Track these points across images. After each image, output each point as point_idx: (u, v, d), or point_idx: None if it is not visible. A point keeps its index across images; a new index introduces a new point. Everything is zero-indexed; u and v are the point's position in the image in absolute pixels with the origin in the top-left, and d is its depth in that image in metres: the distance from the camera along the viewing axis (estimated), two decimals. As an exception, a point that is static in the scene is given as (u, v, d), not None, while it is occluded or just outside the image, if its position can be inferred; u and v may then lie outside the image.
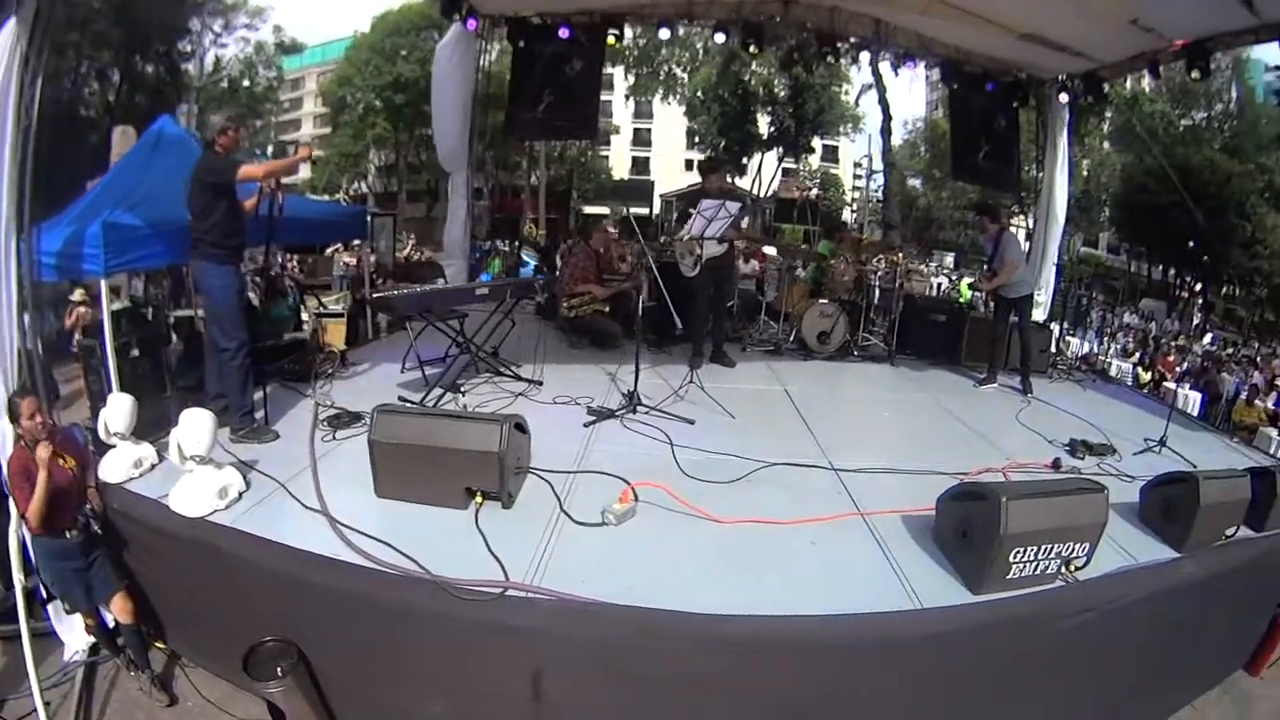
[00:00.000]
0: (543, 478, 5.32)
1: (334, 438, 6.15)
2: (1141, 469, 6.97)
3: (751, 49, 15.71)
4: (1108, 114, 50.71)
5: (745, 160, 51.21)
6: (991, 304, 12.06)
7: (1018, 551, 4.51)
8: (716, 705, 4.07)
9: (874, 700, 4.25)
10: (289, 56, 54.06)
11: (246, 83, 48.76)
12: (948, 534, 4.99)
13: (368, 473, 4.97)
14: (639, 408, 7.28)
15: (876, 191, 57.86)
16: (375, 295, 10.27)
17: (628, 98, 57.58)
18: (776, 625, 4.03)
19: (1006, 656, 4.60)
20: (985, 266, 11.37)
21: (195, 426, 4.90)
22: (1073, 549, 4.75)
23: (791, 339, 11.60)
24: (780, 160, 52.93)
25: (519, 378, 8.29)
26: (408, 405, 6.35)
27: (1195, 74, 12.98)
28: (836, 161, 73.76)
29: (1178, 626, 5.55)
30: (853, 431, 8.33)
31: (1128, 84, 46.36)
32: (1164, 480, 6.19)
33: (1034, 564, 4.62)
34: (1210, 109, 55.74)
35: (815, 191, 53.15)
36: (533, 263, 21.34)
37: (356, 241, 17.25)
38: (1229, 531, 6.02)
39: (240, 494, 4.96)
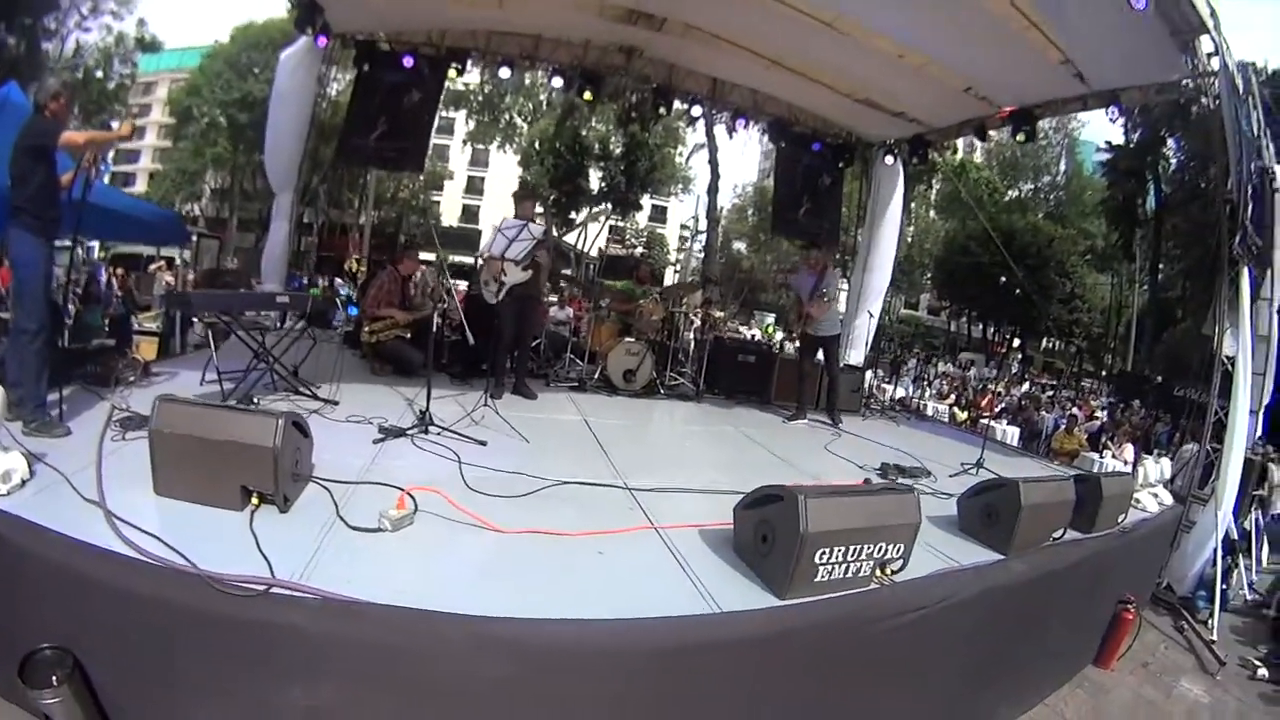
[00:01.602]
0: (323, 485, 4.85)
1: (124, 438, 5.56)
2: (958, 489, 6.71)
3: (587, 95, 15.66)
4: (934, 183, 52.72)
5: (574, 214, 51.25)
6: (797, 344, 12.14)
7: (823, 552, 4.15)
8: (500, 715, 3.66)
9: (667, 710, 3.87)
10: (146, 56, 52.64)
11: (100, 74, 47.30)
12: (748, 542, 4.60)
13: (149, 474, 4.45)
14: (431, 428, 6.86)
15: (700, 253, 58.66)
16: (172, 294, 9.56)
17: (465, 143, 57.97)
18: (557, 628, 3.63)
19: (821, 660, 4.26)
20: (801, 301, 11.23)
21: None
22: (886, 550, 4.46)
23: (597, 376, 11.18)
24: (608, 217, 53.18)
25: (315, 396, 7.75)
26: (189, 398, 5.69)
27: (1021, 137, 13.68)
28: (664, 222, 75.21)
29: (1015, 625, 5.51)
30: (651, 456, 8.16)
31: (958, 153, 48.45)
32: (981, 489, 6.14)
33: (844, 565, 4.27)
34: (1037, 181, 58.63)
35: (640, 250, 53.61)
36: (346, 291, 20.81)
37: (178, 260, 16.43)
38: (1056, 534, 6.07)
39: (24, 481, 4.38)
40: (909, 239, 53.31)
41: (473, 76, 46.88)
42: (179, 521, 4.03)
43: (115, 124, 6.56)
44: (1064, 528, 6.20)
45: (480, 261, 9.73)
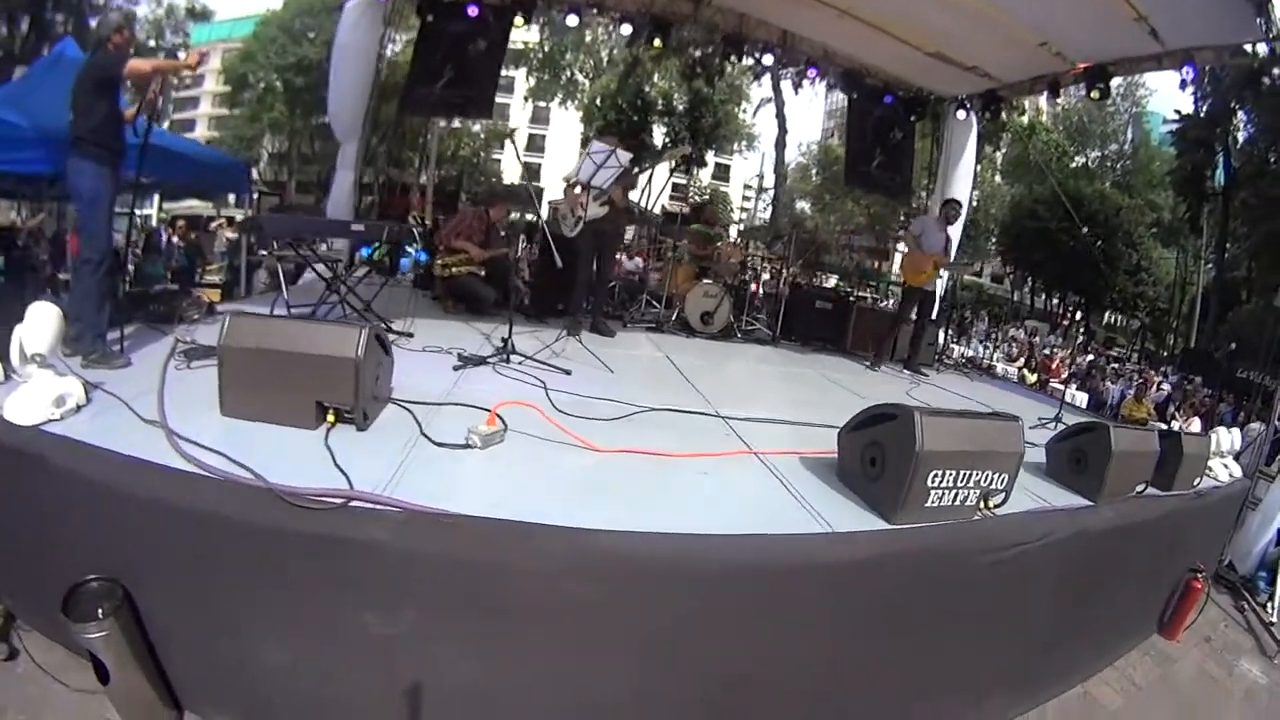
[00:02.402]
0: (404, 406, 4.75)
1: (188, 367, 5.47)
2: (1039, 440, 6.57)
3: (656, 43, 15.59)
4: (1002, 147, 52.06)
5: (636, 171, 50.68)
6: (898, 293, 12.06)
7: (936, 475, 4.12)
8: (593, 638, 3.53)
9: (786, 630, 3.78)
10: (198, 26, 52.64)
11: (152, 44, 46.90)
12: (854, 466, 4.56)
13: (216, 398, 4.31)
14: (513, 356, 6.79)
15: (764, 211, 57.97)
16: (247, 219, 9.55)
17: (526, 99, 57.49)
18: (672, 542, 3.52)
19: (926, 589, 4.17)
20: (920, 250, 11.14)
21: (42, 321, 4.28)
22: (991, 479, 4.42)
23: (674, 319, 11.30)
24: (671, 173, 53.05)
25: (390, 329, 7.58)
26: (262, 313, 5.68)
27: (1095, 94, 13.32)
28: (727, 180, 74.36)
29: (1099, 576, 5.38)
30: (739, 391, 8.21)
31: (1025, 116, 47.70)
32: (1071, 432, 6.14)
33: (953, 492, 4.25)
34: (1104, 148, 57.64)
35: (703, 197, 53.23)
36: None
37: (239, 217, 16.45)
38: (1139, 487, 6.01)
39: (79, 406, 4.28)
40: (974, 203, 52.43)
41: (532, 34, 46.92)
42: (247, 440, 3.85)
43: (181, 55, 6.56)
44: (1146, 482, 6.15)
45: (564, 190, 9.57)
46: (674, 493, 4.16)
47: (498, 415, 4.47)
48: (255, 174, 55.59)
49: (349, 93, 13.87)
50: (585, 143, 51.93)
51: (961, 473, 4.23)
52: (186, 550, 3.46)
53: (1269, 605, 8.40)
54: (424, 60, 14.69)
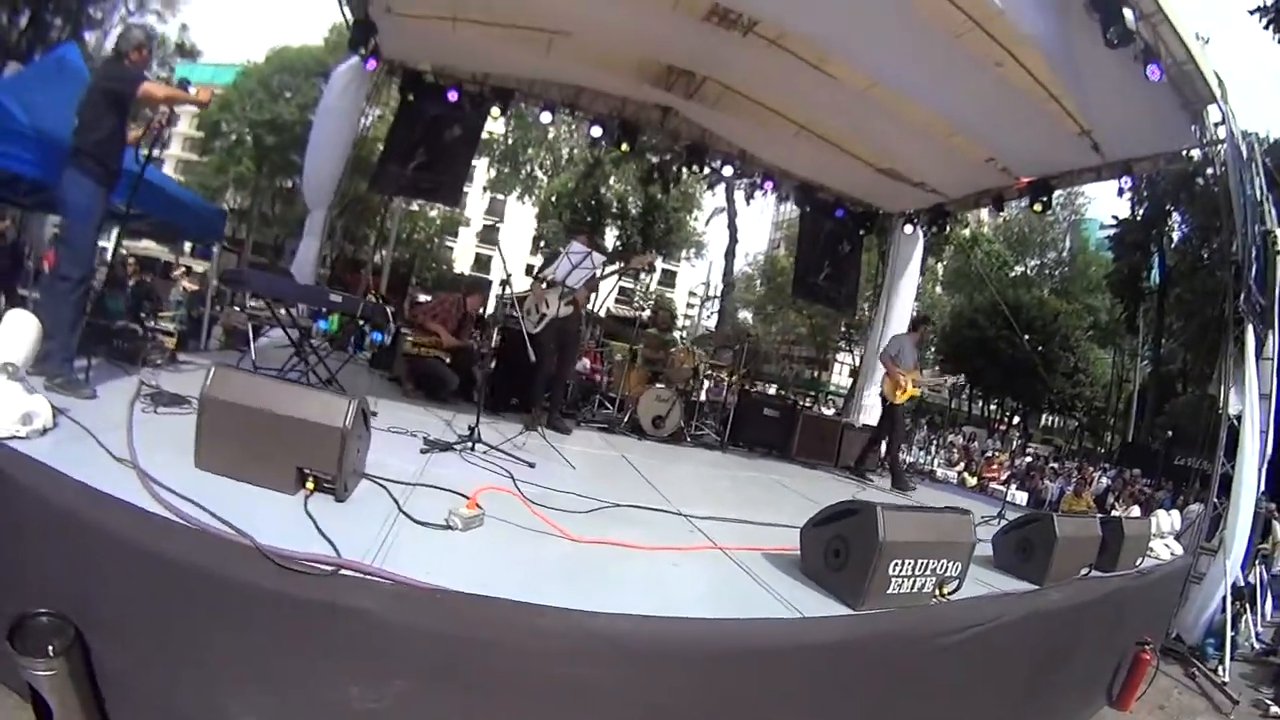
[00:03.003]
0: (379, 483, 4.71)
1: (155, 411, 5.42)
2: (984, 535, 6.60)
3: (624, 147, 16.23)
4: (944, 259, 52.96)
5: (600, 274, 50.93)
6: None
7: (896, 564, 4.33)
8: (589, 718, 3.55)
9: (769, 709, 3.89)
10: (182, 64, 51.91)
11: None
12: (817, 559, 4.74)
13: (186, 446, 4.20)
14: (478, 444, 6.80)
15: (708, 319, 58.54)
16: (227, 271, 9.61)
17: (485, 190, 58.34)
18: (662, 626, 3.61)
19: (887, 671, 4.39)
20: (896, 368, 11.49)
21: (17, 329, 4.28)
22: (946, 567, 4.65)
23: (626, 420, 11.29)
24: (620, 275, 53.16)
25: None
26: (247, 369, 5.68)
27: (1038, 207, 14.00)
28: (673, 286, 74.84)
29: (1049, 654, 5.69)
30: (696, 491, 8.31)
31: (968, 228, 48.75)
32: (1015, 525, 6.40)
33: (912, 579, 4.46)
34: (1044, 256, 58.82)
35: (646, 314, 53.70)
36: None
37: (201, 269, 16.37)
38: (1084, 570, 6.35)
39: (45, 429, 4.20)
40: (914, 313, 53.06)
41: (498, 125, 47.36)
42: (218, 495, 3.71)
43: (193, 89, 6.59)
44: (1090, 565, 6.49)
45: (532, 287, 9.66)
46: (651, 581, 4.26)
47: (477, 500, 4.49)
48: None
49: (326, 159, 14.23)
50: (539, 238, 52.25)
51: (919, 562, 4.44)
52: (150, 596, 3.36)
53: (1219, 668, 8.96)
54: (399, 139, 15.18)
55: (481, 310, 11.06)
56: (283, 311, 8.09)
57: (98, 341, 6.95)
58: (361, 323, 11.51)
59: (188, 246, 23.15)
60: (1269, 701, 8.55)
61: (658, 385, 11.41)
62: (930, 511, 5.07)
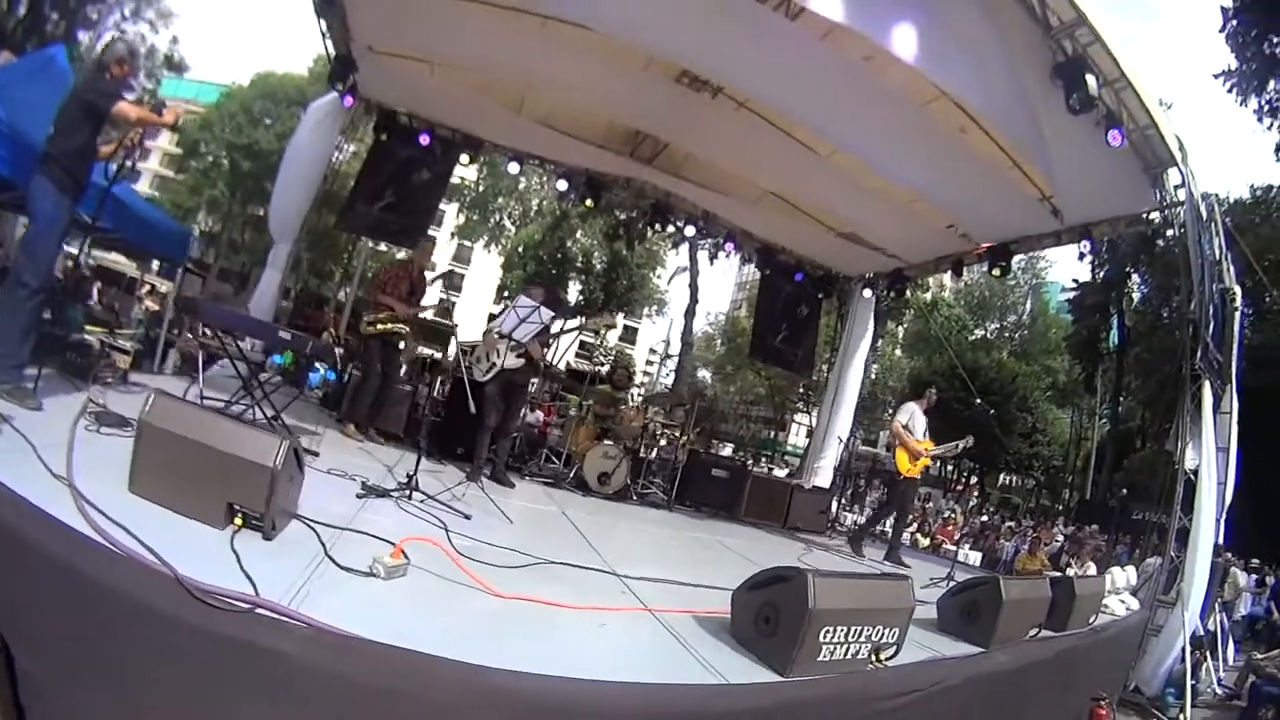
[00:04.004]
0: (309, 525, 4.56)
1: (98, 431, 5.34)
2: (930, 598, 6.64)
3: (588, 202, 16.43)
4: (904, 323, 53.40)
5: (556, 331, 50.96)
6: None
7: (827, 630, 4.16)
8: None
9: None
10: (168, 79, 51.81)
11: None
12: (747, 625, 4.53)
13: (124, 470, 4.13)
14: (415, 493, 6.61)
15: (667, 377, 58.65)
16: (183, 297, 9.37)
17: (453, 236, 58.32)
18: (575, 687, 3.42)
19: None
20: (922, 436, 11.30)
21: None
22: (882, 633, 4.48)
23: (572, 476, 11.03)
24: (580, 330, 53.09)
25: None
26: (188, 399, 5.52)
27: (997, 272, 14.11)
28: (634, 343, 75.08)
29: (998, 712, 5.52)
30: (634, 550, 8.15)
31: (929, 293, 49.22)
32: (961, 588, 6.27)
33: (845, 646, 4.29)
34: (1003, 320, 59.40)
35: (604, 369, 53.64)
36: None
37: (164, 289, 16.07)
38: (1033, 631, 6.23)
39: None
40: (874, 376, 54.02)
41: (470, 171, 47.32)
42: (149, 523, 3.66)
43: (165, 110, 6.52)
44: (1039, 626, 6.37)
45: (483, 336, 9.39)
46: (571, 641, 4.09)
47: (402, 549, 4.34)
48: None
49: (294, 192, 14.08)
50: (502, 288, 52.14)
51: (853, 628, 4.27)
52: (73, 615, 3.31)
53: (1180, 717, 8.93)
54: (369, 178, 15.06)
55: (433, 265, 10.68)
56: (235, 344, 7.81)
57: (51, 352, 6.85)
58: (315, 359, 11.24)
59: (155, 264, 22.85)
60: None
61: (605, 442, 11.13)
62: (867, 578, 4.95)
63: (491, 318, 11.85)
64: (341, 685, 3.15)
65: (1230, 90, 33.73)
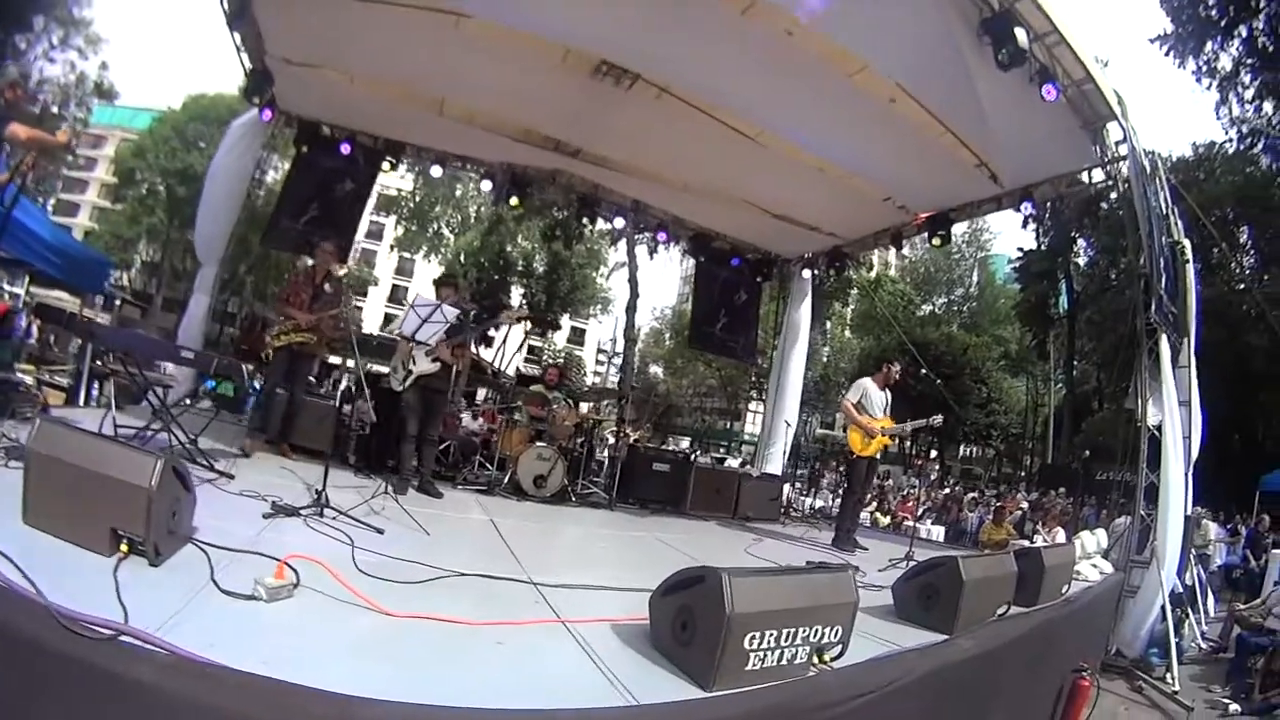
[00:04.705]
0: (201, 548, 4.26)
1: (5, 465, 5.10)
2: (888, 581, 6.36)
3: (514, 202, 16.00)
4: (850, 303, 53.65)
5: (491, 333, 50.68)
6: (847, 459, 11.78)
7: (753, 637, 3.62)
8: None
9: None
10: (100, 106, 50.29)
11: (56, 110, 44.16)
12: (666, 632, 4.03)
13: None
14: (327, 510, 6.20)
15: (617, 373, 58.78)
16: (80, 321, 8.91)
17: (392, 248, 58.43)
18: (447, 716, 3.03)
19: None
20: (880, 414, 10.64)
21: None
22: (822, 633, 3.97)
23: (506, 481, 10.52)
24: (526, 335, 52.52)
25: (212, 467, 7.00)
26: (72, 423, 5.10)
27: (937, 241, 13.96)
28: (582, 344, 75.31)
29: (965, 706, 5.19)
30: (560, 556, 7.86)
31: (873, 270, 49.36)
32: (918, 570, 5.82)
33: (777, 651, 3.74)
34: (950, 294, 59.84)
35: (557, 360, 53.36)
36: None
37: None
38: (1000, 610, 5.90)
39: None
40: (825, 359, 54.12)
41: (405, 182, 46.66)
42: (39, 553, 3.56)
43: (59, 131, 6.19)
44: (1008, 603, 5.95)
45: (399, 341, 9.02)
46: (463, 663, 3.64)
47: (289, 567, 4.06)
48: (126, 280, 53.60)
49: (219, 212, 13.76)
50: (445, 273, 52.13)
51: (785, 631, 3.77)
52: None
53: (1167, 676, 8.83)
54: (293, 193, 14.74)
55: (338, 261, 9.94)
56: (137, 367, 7.55)
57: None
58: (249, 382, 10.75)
59: (99, 300, 22.21)
60: (1225, 700, 8.65)
61: (538, 444, 10.59)
62: (799, 573, 4.41)
63: (388, 319, 11.34)
64: (194, 715, 2.93)
65: (1168, 53, 35.00)
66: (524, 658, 3.82)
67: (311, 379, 10.53)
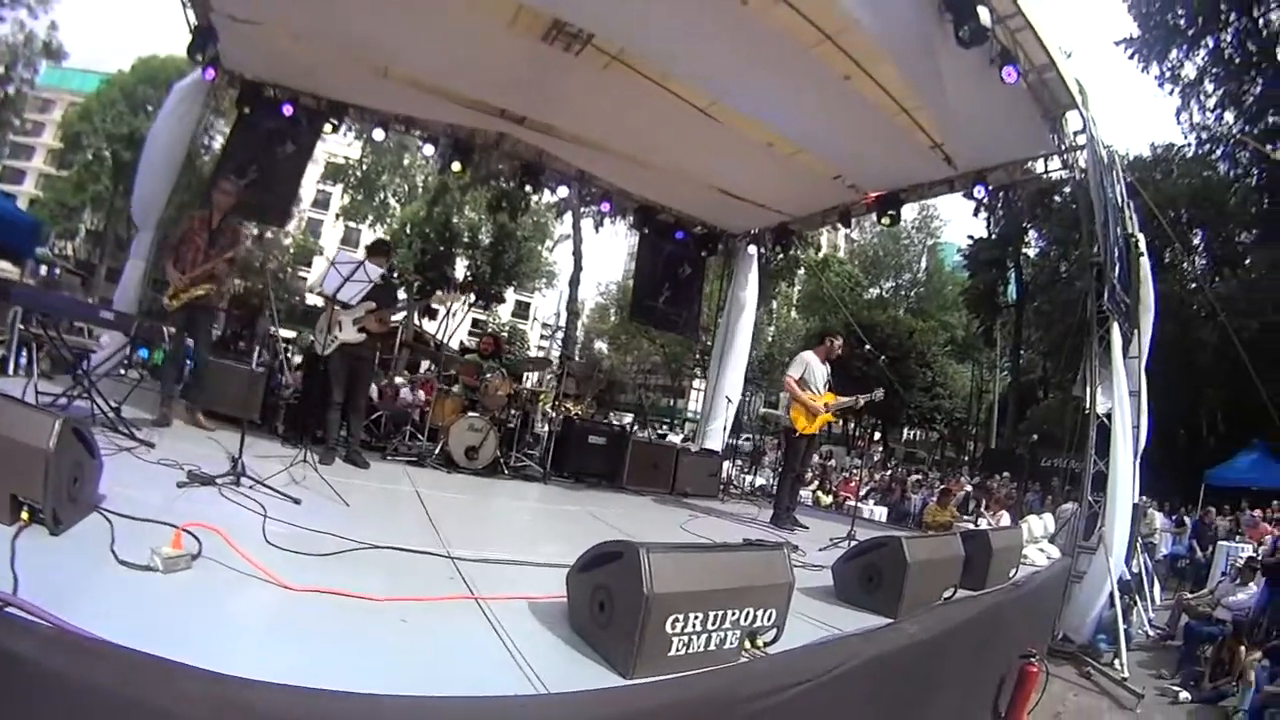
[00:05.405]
0: (106, 516, 3.99)
1: None
2: (829, 561, 6.15)
3: (456, 166, 15.75)
4: (796, 283, 53.85)
5: (435, 305, 50.23)
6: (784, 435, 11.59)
7: (676, 620, 3.35)
8: None
9: None
10: (49, 69, 49.02)
11: (2, 70, 43.47)
12: (583, 613, 3.72)
13: None
14: (244, 479, 5.90)
15: (560, 347, 58.81)
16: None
17: (338, 217, 57.48)
18: (334, 703, 2.73)
19: None
20: (822, 388, 10.25)
21: None
22: (755, 616, 3.70)
23: (438, 452, 10.08)
24: (470, 307, 51.88)
25: (133, 436, 6.67)
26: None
27: (886, 221, 13.99)
28: (526, 318, 75.21)
29: (911, 692, 4.95)
30: (484, 530, 7.49)
31: (821, 251, 49.44)
32: (859, 551, 5.60)
33: (704, 635, 3.48)
34: (899, 278, 60.32)
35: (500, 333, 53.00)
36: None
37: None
38: (947, 593, 5.74)
39: None
40: (770, 338, 54.24)
41: (353, 150, 45.90)
42: None
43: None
44: (954, 586, 5.79)
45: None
46: (363, 642, 3.38)
47: (190, 535, 3.85)
48: (70, 249, 52.32)
49: (157, 175, 13.29)
50: (391, 269, 51.66)
51: (712, 614, 3.50)
52: None
53: (1116, 663, 8.78)
54: (233, 155, 14.35)
55: (235, 201, 8.98)
56: (57, 331, 7.42)
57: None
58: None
59: (43, 270, 21.52)
60: (1175, 687, 8.77)
61: (471, 414, 10.18)
62: (728, 550, 4.12)
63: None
64: (72, 691, 2.62)
65: (1132, 57, 35.99)
66: (428, 638, 3.55)
67: (214, 332, 9.98)
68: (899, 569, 5.00)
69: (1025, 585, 7.40)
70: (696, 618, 3.42)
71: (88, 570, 3.44)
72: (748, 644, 3.64)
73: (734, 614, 3.58)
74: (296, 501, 5.73)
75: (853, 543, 7.30)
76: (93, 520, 3.95)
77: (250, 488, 5.77)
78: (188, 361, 9.43)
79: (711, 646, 3.48)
